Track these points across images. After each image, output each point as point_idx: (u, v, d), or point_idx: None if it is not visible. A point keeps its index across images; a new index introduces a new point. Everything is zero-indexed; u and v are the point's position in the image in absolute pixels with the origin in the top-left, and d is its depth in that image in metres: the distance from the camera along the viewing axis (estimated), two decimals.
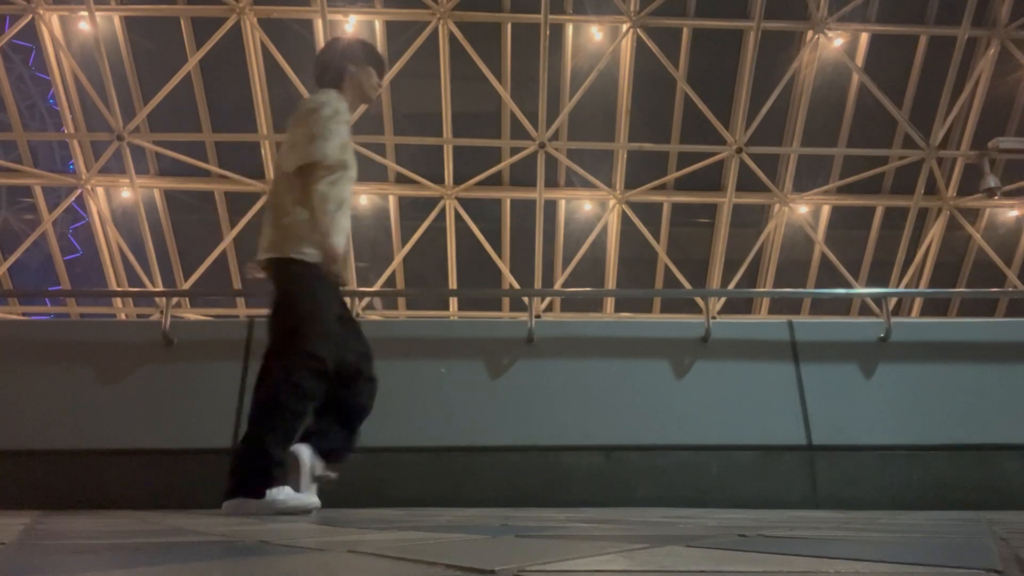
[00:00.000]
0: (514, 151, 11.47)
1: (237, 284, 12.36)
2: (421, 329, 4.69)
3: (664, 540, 1.35)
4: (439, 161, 11.78)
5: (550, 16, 10.51)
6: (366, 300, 9.88)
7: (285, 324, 2.87)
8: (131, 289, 11.99)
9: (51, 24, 10.84)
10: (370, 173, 11.84)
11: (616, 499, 3.87)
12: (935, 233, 12.24)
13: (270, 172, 11.71)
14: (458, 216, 11.82)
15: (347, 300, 3.47)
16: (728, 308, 12.43)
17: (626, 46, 11.20)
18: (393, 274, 12.09)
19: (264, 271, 3.00)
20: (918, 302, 12.63)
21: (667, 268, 12.08)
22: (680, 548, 1.18)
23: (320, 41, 10.79)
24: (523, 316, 4.45)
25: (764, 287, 12.55)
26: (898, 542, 1.35)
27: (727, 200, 11.64)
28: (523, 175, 11.75)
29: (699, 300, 4.84)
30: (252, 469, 2.70)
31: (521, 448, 4.02)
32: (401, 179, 11.87)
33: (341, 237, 2.92)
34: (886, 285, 11.99)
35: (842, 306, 12.66)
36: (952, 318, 12.10)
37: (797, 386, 4.20)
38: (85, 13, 10.42)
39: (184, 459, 3.99)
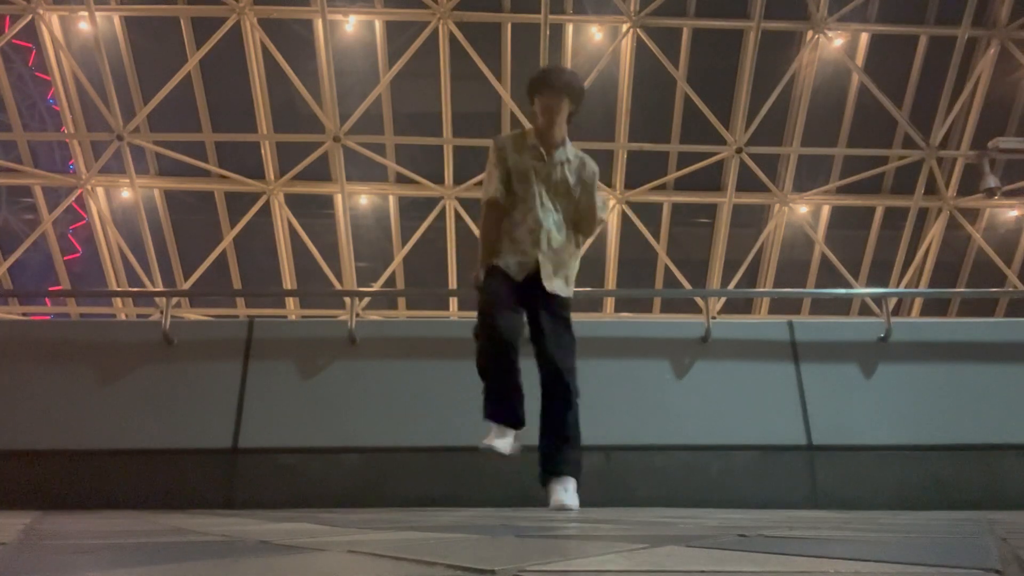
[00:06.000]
0: None
1: (237, 284, 12.36)
2: (421, 329, 4.69)
3: (664, 540, 1.34)
4: (439, 161, 11.78)
5: (550, 16, 10.51)
6: (366, 300, 9.88)
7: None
8: (131, 289, 11.99)
9: (51, 24, 10.84)
10: (370, 173, 11.84)
11: (616, 499, 3.86)
12: (935, 233, 12.24)
13: (270, 172, 11.72)
14: (458, 216, 11.82)
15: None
16: (728, 308, 12.43)
17: (626, 46, 11.20)
18: (393, 274, 12.09)
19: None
20: (918, 302, 12.63)
21: (667, 268, 12.08)
22: (680, 548, 1.18)
23: (320, 41, 10.80)
24: None
25: (764, 287, 12.55)
26: (898, 542, 1.35)
27: (727, 200, 11.64)
28: None
29: (699, 300, 4.83)
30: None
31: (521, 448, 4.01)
32: (401, 179, 11.87)
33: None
34: (886, 285, 11.98)
35: (842, 306, 12.66)
36: (952, 318, 12.09)
37: (797, 386, 4.20)
38: (85, 13, 10.43)
39: (184, 459, 3.99)
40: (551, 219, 3.30)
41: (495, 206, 3.33)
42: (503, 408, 3.13)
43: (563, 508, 3.05)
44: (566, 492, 3.10)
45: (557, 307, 3.29)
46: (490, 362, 3.14)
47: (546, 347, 3.21)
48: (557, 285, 3.28)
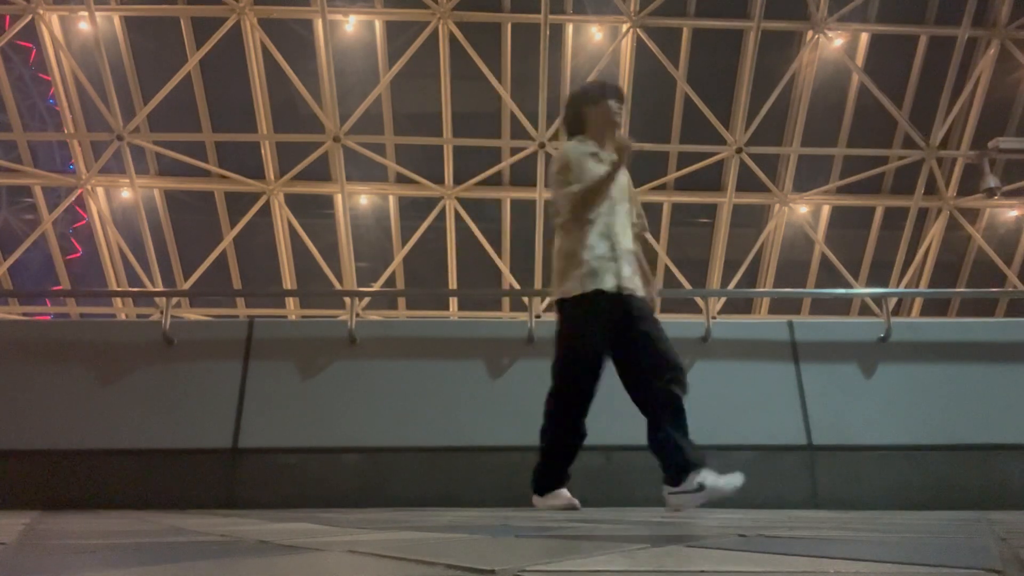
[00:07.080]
0: (514, 151, 11.47)
1: (237, 284, 12.36)
2: (421, 329, 4.69)
3: (664, 540, 1.34)
4: (439, 161, 11.78)
5: (550, 16, 10.51)
6: (366, 300, 9.89)
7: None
8: (131, 289, 11.99)
9: (51, 24, 10.84)
10: (370, 173, 11.84)
11: (616, 499, 3.86)
12: (935, 233, 12.24)
13: (270, 172, 11.72)
14: (458, 216, 11.82)
15: None
16: (728, 308, 12.43)
17: (626, 46, 11.20)
18: (393, 274, 12.09)
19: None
20: (918, 302, 12.63)
21: (667, 268, 12.08)
22: (680, 548, 1.18)
23: (320, 41, 10.80)
24: (523, 316, 4.45)
25: (764, 287, 12.55)
26: (898, 542, 1.35)
27: (727, 200, 11.64)
28: (523, 175, 11.75)
29: (699, 300, 4.83)
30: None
31: (521, 448, 4.00)
32: (401, 179, 11.87)
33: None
34: (886, 285, 11.98)
35: (842, 306, 12.66)
36: (952, 318, 12.09)
37: (797, 386, 4.20)
38: (85, 13, 10.42)
39: (184, 459, 3.99)
40: (619, 221, 3.26)
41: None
42: (551, 475, 3.27)
43: (732, 489, 2.96)
44: (719, 476, 2.96)
45: (638, 311, 3.15)
46: (558, 410, 3.25)
47: (641, 356, 3.18)
48: (638, 282, 3.23)
